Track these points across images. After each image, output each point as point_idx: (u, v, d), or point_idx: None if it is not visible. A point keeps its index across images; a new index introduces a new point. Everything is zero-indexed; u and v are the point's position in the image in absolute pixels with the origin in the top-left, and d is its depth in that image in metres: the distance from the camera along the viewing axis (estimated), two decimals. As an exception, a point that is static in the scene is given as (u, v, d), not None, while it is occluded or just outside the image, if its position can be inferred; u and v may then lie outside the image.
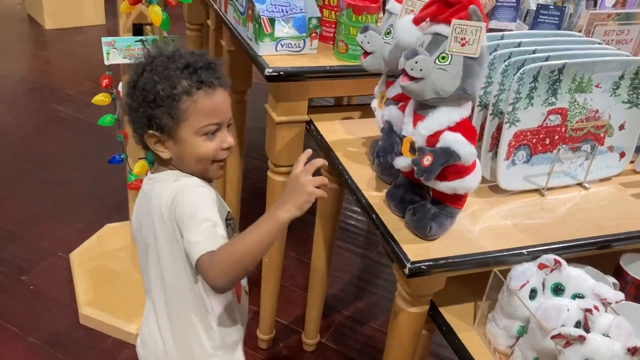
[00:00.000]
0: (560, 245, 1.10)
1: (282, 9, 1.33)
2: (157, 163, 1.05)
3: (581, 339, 0.90)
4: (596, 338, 0.91)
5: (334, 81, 1.40)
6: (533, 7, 1.41)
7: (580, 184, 1.29)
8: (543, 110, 1.19)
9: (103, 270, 1.96)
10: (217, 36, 1.85)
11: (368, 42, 1.11)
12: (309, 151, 0.98)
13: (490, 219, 1.16)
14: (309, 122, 1.41)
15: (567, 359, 0.91)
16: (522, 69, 1.12)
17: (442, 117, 0.98)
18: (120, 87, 1.55)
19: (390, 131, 1.12)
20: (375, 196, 1.16)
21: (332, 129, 1.39)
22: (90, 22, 4.06)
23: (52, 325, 1.81)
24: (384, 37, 1.10)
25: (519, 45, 1.22)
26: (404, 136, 1.04)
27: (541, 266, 1.06)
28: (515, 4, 1.37)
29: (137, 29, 1.54)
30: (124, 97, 1.02)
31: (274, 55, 1.33)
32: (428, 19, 1.00)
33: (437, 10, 0.97)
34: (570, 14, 1.45)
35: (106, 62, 1.49)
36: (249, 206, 2.16)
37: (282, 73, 1.28)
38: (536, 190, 1.25)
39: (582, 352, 0.90)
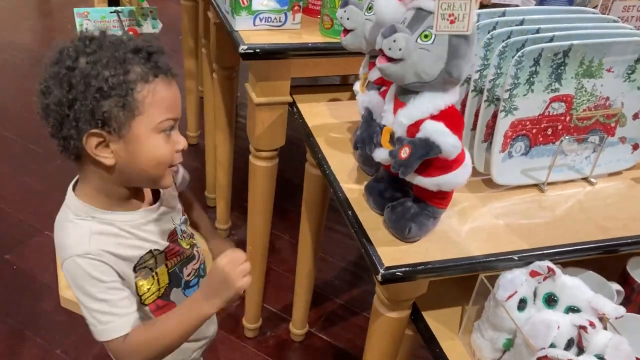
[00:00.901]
0: (556, 250, 0.98)
1: (263, -20, 1.21)
2: (78, 179, 0.88)
3: (570, 363, 0.79)
4: (586, 361, 0.81)
5: (319, 59, 1.28)
6: (542, -21, 1.27)
7: (585, 179, 1.17)
8: (545, 97, 1.06)
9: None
10: (206, 7, 1.74)
11: (348, 18, 0.99)
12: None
13: (480, 217, 1.05)
14: (292, 104, 1.30)
15: (554, 383, 0.82)
16: (521, 51, 0.99)
17: (424, 104, 0.86)
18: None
19: (369, 119, 1.00)
20: (355, 189, 1.06)
21: (316, 111, 1.28)
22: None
23: (33, 307, 1.76)
24: (366, 13, 0.98)
25: (521, 23, 1.09)
26: (384, 125, 0.93)
27: (533, 273, 0.95)
28: (521, -23, 1.24)
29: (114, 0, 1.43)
30: (44, 90, 0.79)
31: (252, 30, 1.21)
32: (412, -7, 0.88)
33: None
34: (585, -13, 1.30)
35: (79, 35, 1.39)
36: (241, 189, 2.07)
37: (258, 50, 1.16)
38: (535, 186, 1.13)
39: (571, 377, 0.81)
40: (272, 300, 1.87)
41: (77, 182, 0.88)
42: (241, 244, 1.55)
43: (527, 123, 1.07)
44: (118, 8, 1.39)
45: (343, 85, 1.45)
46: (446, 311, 1.09)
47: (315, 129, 1.20)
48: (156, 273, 0.92)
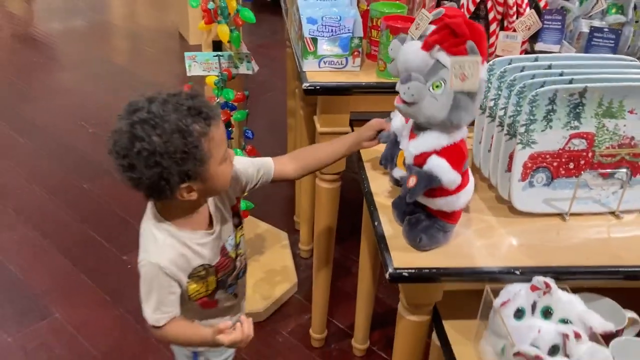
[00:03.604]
0: (559, 269, 1.08)
1: (331, 29, 1.45)
2: (156, 208, 1.09)
3: (538, 359, 0.90)
4: (556, 361, 0.90)
5: (379, 97, 1.48)
6: (586, 29, 1.37)
7: (612, 213, 1.24)
8: (564, 134, 1.17)
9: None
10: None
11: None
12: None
13: (496, 237, 1.17)
14: (351, 134, 1.50)
15: (528, 379, 0.92)
16: (535, 91, 1.12)
17: (430, 141, 1.03)
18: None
19: (394, 141, 1.18)
20: (387, 205, 1.22)
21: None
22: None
23: (137, 300, 2.07)
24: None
25: (549, 67, 1.22)
26: (401, 149, 1.10)
27: (533, 288, 1.05)
28: (560, 27, 1.35)
29: (217, 45, 1.74)
30: (129, 167, 0.96)
31: (317, 71, 1.45)
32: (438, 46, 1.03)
33: (443, 37, 0.98)
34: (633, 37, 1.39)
35: (188, 74, 1.71)
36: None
37: (318, 87, 1.39)
38: (559, 215, 1.23)
39: (540, 373, 0.90)
40: (340, 317, 2.04)
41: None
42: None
43: (547, 156, 1.18)
44: (220, 53, 1.70)
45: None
46: (466, 322, 1.20)
47: (365, 153, 1.39)
48: (206, 280, 1.15)
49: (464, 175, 1.05)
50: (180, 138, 0.94)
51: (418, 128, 1.06)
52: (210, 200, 1.14)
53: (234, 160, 1.10)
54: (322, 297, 1.82)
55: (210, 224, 1.15)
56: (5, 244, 2.31)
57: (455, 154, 1.02)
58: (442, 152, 1.02)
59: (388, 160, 1.14)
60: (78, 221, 2.46)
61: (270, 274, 2.12)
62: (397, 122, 1.18)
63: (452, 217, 1.09)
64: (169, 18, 4.91)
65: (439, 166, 1.00)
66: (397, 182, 1.25)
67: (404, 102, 1.02)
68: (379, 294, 1.88)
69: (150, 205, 1.12)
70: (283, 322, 2.02)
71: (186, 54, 1.67)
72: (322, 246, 1.72)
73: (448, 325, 1.19)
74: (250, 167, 1.20)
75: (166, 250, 1.07)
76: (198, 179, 1.00)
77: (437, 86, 0.99)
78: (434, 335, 1.24)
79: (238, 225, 1.22)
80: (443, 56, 0.99)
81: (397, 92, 1.26)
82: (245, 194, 1.27)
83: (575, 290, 1.05)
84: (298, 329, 1.99)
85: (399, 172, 1.09)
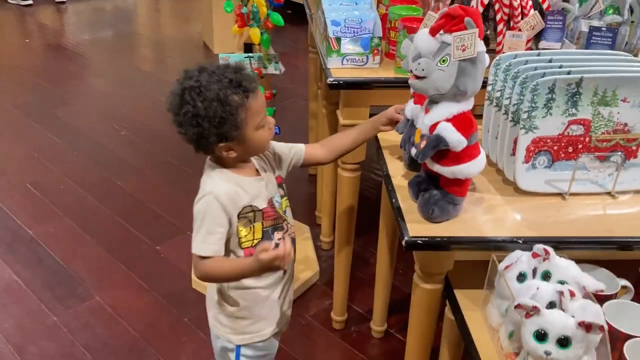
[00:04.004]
0: (558, 239, 1.20)
1: (353, 30, 1.60)
2: (211, 158, 1.27)
3: (535, 309, 1.02)
4: (551, 311, 1.03)
5: (396, 91, 1.62)
6: (585, 28, 1.51)
7: (608, 193, 1.36)
8: (563, 120, 1.30)
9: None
10: (322, 56, 2.17)
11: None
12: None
13: (502, 213, 1.30)
14: (371, 126, 1.64)
15: (527, 329, 1.04)
16: (535, 81, 1.26)
17: (441, 110, 1.17)
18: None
19: (411, 125, 1.31)
20: (403, 186, 1.36)
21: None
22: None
23: (171, 286, 2.23)
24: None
25: (550, 61, 1.35)
26: (417, 128, 1.24)
27: (534, 255, 1.18)
28: (561, 26, 1.48)
29: (248, 47, 1.90)
30: (179, 124, 1.18)
31: (340, 68, 1.60)
32: (442, 30, 1.19)
33: (445, 22, 1.15)
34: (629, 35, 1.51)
35: (221, 74, 1.87)
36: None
37: (341, 82, 1.54)
38: (559, 195, 1.35)
39: (537, 322, 1.02)
40: (360, 303, 2.17)
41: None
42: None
43: (548, 140, 1.32)
44: (250, 54, 1.86)
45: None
46: (475, 291, 1.32)
47: (383, 141, 1.53)
48: (253, 226, 1.28)
49: (474, 147, 1.19)
50: (219, 106, 1.12)
51: (430, 103, 1.20)
52: (255, 162, 1.29)
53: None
54: (343, 279, 1.96)
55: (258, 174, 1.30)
56: (47, 235, 2.48)
57: (462, 121, 1.16)
58: (451, 120, 1.16)
59: (406, 142, 1.28)
60: (113, 215, 2.63)
61: (294, 263, 2.27)
62: (414, 107, 1.31)
63: (461, 190, 1.23)
64: (193, 29, 5.12)
65: (444, 129, 1.15)
66: (410, 166, 1.39)
67: (416, 77, 1.16)
68: (396, 281, 2.00)
69: (208, 162, 1.28)
70: (306, 306, 2.16)
71: (220, 55, 1.83)
72: (343, 230, 1.86)
73: (459, 294, 1.32)
74: (283, 146, 1.37)
75: (221, 184, 1.22)
76: (235, 140, 1.18)
77: (443, 61, 1.14)
78: (447, 310, 1.37)
79: (283, 196, 1.36)
80: (447, 37, 1.14)
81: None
82: (283, 173, 1.39)
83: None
84: (320, 313, 2.13)
85: (414, 150, 1.23)
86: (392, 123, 1.40)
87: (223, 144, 1.18)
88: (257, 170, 1.30)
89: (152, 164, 3.04)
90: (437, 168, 1.20)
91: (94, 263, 2.34)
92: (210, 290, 1.39)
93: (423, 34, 1.20)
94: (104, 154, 3.14)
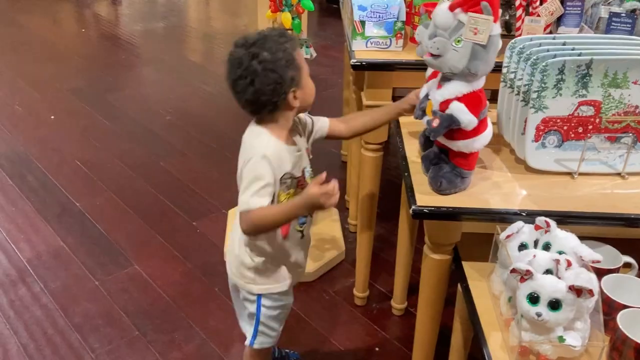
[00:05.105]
0: (560, 213, 1.25)
1: (378, 15, 1.67)
2: (262, 122, 1.35)
3: (528, 273, 1.08)
4: (543, 276, 1.09)
5: (418, 73, 1.67)
6: (605, 14, 1.53)
7: (618, 174, 1.40)
8: (573, 101, 1.34)
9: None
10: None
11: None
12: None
13: (510, 188, 1.35)
14: (394, 107, 1.72)
15: (521, 292, 1.10)
16: (545, 61, 1.30)
17: (452, 88, 1.24)
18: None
19: (425, 96, 1.36)
20: (417, 162, 1.43)
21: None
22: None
23: (205, 258, 2.36)
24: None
25: (564, 44, 1.40)
26: (429, 99, 1.31)
27: (536, 227, 1.24)
28: (580, 12, 1.52)
29: (281, 32, 1.99)
30: (252, 80, 1.26)
31: (365, 50, 1.67)
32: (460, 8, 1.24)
33: (463, 1, 1.20)
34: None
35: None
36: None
37: (364, 63, 1.62)
38: (569, 174, 1.39)
39: (530, 286, 1.08)
40: (382, 283, 2.24)
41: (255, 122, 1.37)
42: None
43: (558, 120, 1.36)
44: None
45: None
46: (485, 264, 1.38)
47: (403, 125, 1.60)
48: (290, 192, 1.38)
49: (482, 122, 1.25)
50: (281, 51, 1.26)
51: (443, 79, 1.27)
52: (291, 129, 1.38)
53: None
54: (365, 255, 2.03)
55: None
56: (94, 208, 2.66)
57: (473, 100, 1.22)
58: (462, 99, 1.23)
59: (420, 112, 1.35)
60: (155, 192, 2.78)
61: (321, 242, 2.36)
62: (431, 82, 1.37)
63: (468, 163, 1.29)
64: (240, 22, 5.28)
65: (458, 109, 1.21)
66: (424, 145, 1.46)
67: (431, 55, 1.23)
68: (417, 262, 2.06)
69: (255, 125, 1.36)
70: (330, 283, 2.25)
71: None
72: (365, 208, 1.94)
73: (466, 266, 1.39)
74: (309, 117, 1.47)
75: (270, 145, 1.32)
76: (300, 84, 1.29)
77: (458, 41, 1.20)
78: (459, 286, 1.43)
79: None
80: (463, 16, 1.20)
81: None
82: (309, 144, 1.47)
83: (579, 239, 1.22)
84: (343, 290, 2.21)
85: (427, 118, 1.30)
86: (414, 108, 1.47)
87: (293, 88, 1.28)
88: (293, 141, 1.40)
89: (192, 147, 3.19)
90: (447, 142, 1.27)
91: (135, 235, 2.49)
92: (232, 247, 1.50)
93: (442, 8, 1.24)
94: (149, 136, 3.31)
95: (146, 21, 5.45)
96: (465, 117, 1.22)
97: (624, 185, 1.37)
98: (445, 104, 1.25)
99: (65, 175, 2.91)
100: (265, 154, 1.30)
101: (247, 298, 1.50)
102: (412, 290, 2.10)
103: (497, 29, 1.22)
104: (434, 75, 1.38)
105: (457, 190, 1.31)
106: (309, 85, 1.35)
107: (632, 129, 1.37)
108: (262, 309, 1.51)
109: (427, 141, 1.43)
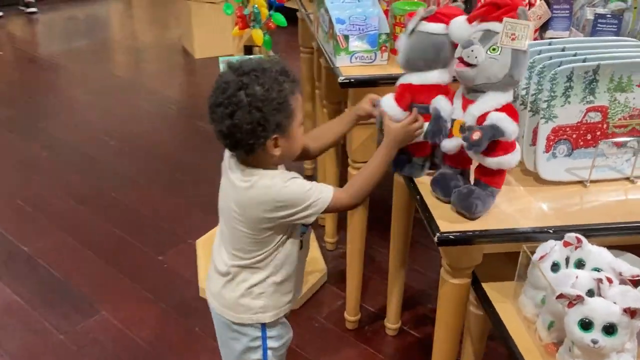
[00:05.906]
0: (586, 227, 1.21)
1: (359, 28, 1.58)
2: (246, 164, 1.21)
3: (579, 298, 1.02)
4: (595, 299, 1.03)
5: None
6: (590, 16, 1.52)
7: (627, 178, 1.38)
8: (581, 108, 1.31)
9: (221, 255, 2.32)
10: (319, 56, 2.15)
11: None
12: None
13: (527, 203, 1.30)
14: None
15: (570, 319, 1.04)
16: (554, 69, 1.26)
17: (490, 100, 1.17)
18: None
19: (438, 116, 1.25)
20: (425, 184, 1.35)
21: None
22: (232, 51, 4.61)
23: (178, 296, 2.19)
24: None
25: (563, 50, 1.36)
26: (454, 119, 1.23)
27: (565, 244, 1.18)
28: (568, 15, 1.50)
29: (248, 50, 1.87)
30: (229, 114, 1.12)
31: (349, 66, 1.58)
32: (478, 19, 1.18)
33: (488, 10, 1.15)
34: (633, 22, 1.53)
35: (222, 77, 1.84)
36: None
37: (352, 80, 1.53)
38: (580, 183, 1.36)
39: (581, 311, 1.03)
40: (371, 302, 2.16)
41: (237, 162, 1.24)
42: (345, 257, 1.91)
43: (567, 129, 1.32)
44: (251, 56, 1.83)
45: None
46: (504, 283, 1.32)
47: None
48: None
49: (514, 138, 1.19)
50: (277, 90, 1.13)
51: (471, 92, 1.19)
52: None
53: None
54: (356, 280, 1.95)
55: None
56: (45, 251, 2.42)
57: (511, 110, 1.17)
58: (501, 109, 1.16)
59: (437, 134, 1.24)
60: (111, 227, 2.57)
61: (301, 265, 2.24)
62: (441, 100, 1.28)
63: (500, 180, 1.23)
64: (170, 34, 5.05)
65: (501, 119, 1.14)
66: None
67: (467, 65, 1.15)
68: (405, 279, 2.00)
69: (234, 170, 1.23)
70: (317, 308, 2.14)
71: (220, 58, 1.80)
72: (355, 230, 1.85)
73: (487, 287, 1.32)
74: None
75: (277, 173, 1.22)
76: (285, 132, 1.16)
77: (493, 49, 1.13)
78: (469, 305, 1.37)
79: None
80: (492, 25, 1.14)
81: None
82: None
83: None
84: (332, 314, 2.11)
85: (454, 141, 1.21)
86: (369, 116, 1.40)
87: (277, 135, 1.16)
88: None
89: (143, 173, 2.98)
90: (484, 160, 1.19)
91: (96, 277, 2.29)
92: (218, 282, 1.37)
93: (460, 21, 1.20)
94: (94, 164, 3.07)
95: (68, 39, 5.11)
96: (510, 126, 1.15)
97: (636, 190, 1.35)
98: (482, 118, 1.17)
99: (6, 217, 2.64)
100: (283, 178, 1.20)
101: (249, 346, 1.37)
102: (404, 307, 2.03)
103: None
104: (437, 92, 1.30)
105: (488, 210, 1.24)
106: (297, 137, 1.22)
107: (637, 132, 1.36)
108: (269, 352, 1.39)
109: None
